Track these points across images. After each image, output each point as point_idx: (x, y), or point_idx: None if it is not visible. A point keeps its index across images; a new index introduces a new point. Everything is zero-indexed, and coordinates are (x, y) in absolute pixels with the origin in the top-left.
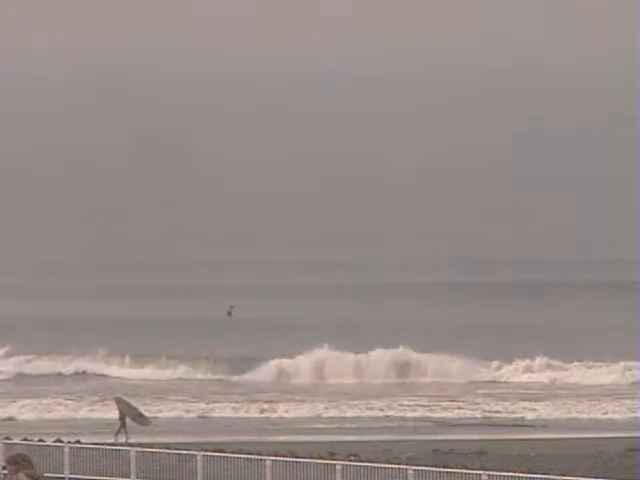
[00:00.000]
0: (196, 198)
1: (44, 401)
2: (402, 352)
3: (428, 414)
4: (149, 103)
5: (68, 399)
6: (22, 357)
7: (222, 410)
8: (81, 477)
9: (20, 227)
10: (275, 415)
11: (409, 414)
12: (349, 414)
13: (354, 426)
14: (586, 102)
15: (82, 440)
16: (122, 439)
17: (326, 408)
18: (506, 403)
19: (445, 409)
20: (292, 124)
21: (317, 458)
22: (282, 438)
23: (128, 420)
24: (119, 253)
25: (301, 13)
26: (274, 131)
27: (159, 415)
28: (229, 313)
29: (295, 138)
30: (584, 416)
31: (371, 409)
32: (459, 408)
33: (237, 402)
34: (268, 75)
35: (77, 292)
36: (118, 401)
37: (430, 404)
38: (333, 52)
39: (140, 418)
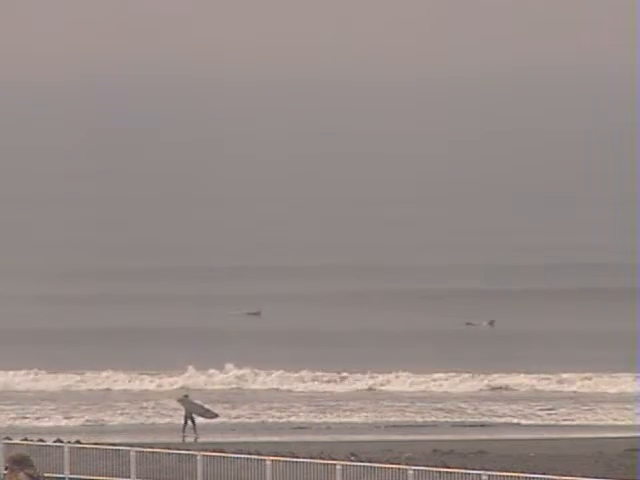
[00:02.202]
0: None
1: None
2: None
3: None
4: (162, 104)
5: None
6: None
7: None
8: (81, 477)
9: (21, 231)
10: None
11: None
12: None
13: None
14: (586, 106)
15: (82, 440)
16: (190, 438)
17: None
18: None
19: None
20: (312, 130)
21: (317, 458)
22: (282, 438)
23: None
24: (129, 259)
25: (301, 15)
26: (283, 136)
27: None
28: (256, 313)
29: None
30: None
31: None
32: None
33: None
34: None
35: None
36: (183, 401)
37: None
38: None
39: (208, 413)
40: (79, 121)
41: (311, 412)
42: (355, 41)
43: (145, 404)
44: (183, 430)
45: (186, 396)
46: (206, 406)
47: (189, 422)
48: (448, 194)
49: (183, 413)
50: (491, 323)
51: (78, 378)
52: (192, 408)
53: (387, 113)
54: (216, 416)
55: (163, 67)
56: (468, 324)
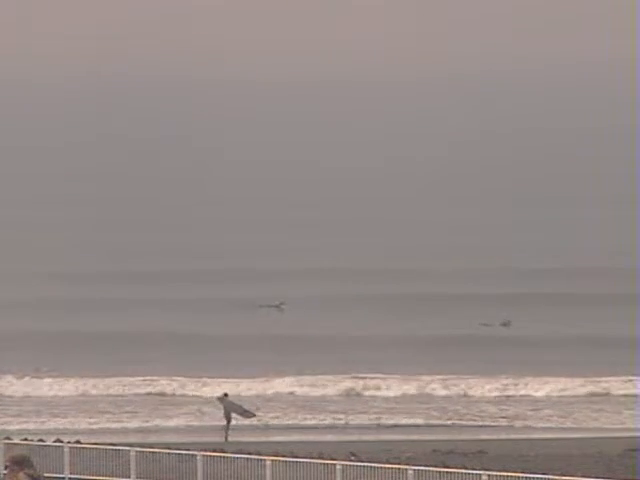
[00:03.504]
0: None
1: None
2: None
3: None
4: (161, 104)
5: None
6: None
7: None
8: (81, 477)
9: (22, 235)
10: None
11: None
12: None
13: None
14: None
15: (82, 440)
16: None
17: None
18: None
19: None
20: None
21: (317, 458)
22: (282, 438)
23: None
24: (138, 261)
25: (302, 17)
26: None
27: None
28: (279, 306)
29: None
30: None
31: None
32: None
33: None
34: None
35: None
36: (222, 400)
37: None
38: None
39: (246, 413)
40: (78, 121)
41: (321, 414)
42: (355, 42)
43: (154, 408)
44: (226, 430)
45: (226, 395)
46: (244, 406)
47: (226, 421)
48: (451, 196)
49: (222, 412)
50: (505, 324)
51: (90, 382)
52: (231, 407)
53: (387, 113)
54: (254, 416)
55: (163, 67)
56: (483, 325)
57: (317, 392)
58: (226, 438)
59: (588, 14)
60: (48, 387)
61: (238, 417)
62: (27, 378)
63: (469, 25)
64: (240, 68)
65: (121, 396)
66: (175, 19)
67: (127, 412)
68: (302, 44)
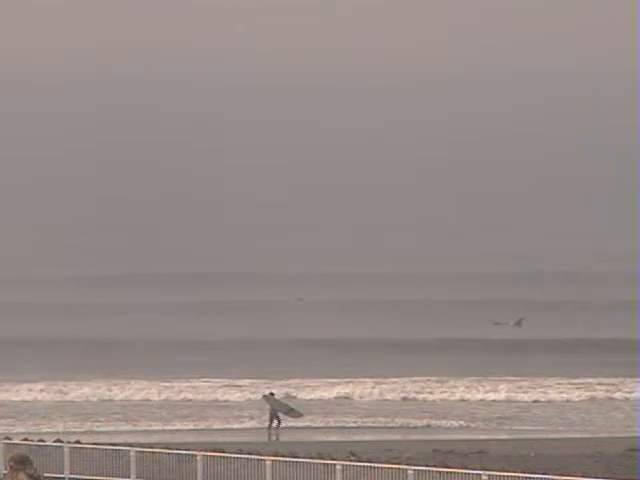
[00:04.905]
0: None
1: None
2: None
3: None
4: (161, 105)
5: None
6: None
7: None
8: (81, 477)
9: (21, 237)
10: None
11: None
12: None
13: (354, 426)
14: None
15: (82, 440)
16: (273, 436)
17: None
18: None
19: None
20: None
21: (317, 458)
22: (282, 438)
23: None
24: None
25: (301, 18)
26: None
27: None
28: (299, 300)
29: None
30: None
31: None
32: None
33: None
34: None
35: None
36: (268, 398)
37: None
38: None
39: (292, 412)
40: (77, 122)
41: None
42: (355, 42)
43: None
44: (269, 428)
45: (272, 394)
46: (291, 405)
47: (274, 420)
48: (451, 197)
49: (268, 411)
50: (518, 323)
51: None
52: (277, 406)
53: (387, 114)
54: (301, 415)
55: (162, 69)
56: (496, 324)
57: (320, 395)
58: (269, 437)
59: (589, 16)
60: (61, 392)
61: (285, 417)
62: (38, 384)
63: (469, 25)
64: (240, 69)
65: (144, 400)
66: (174, 21)
67: (138, 414)
68: (302, 44)
